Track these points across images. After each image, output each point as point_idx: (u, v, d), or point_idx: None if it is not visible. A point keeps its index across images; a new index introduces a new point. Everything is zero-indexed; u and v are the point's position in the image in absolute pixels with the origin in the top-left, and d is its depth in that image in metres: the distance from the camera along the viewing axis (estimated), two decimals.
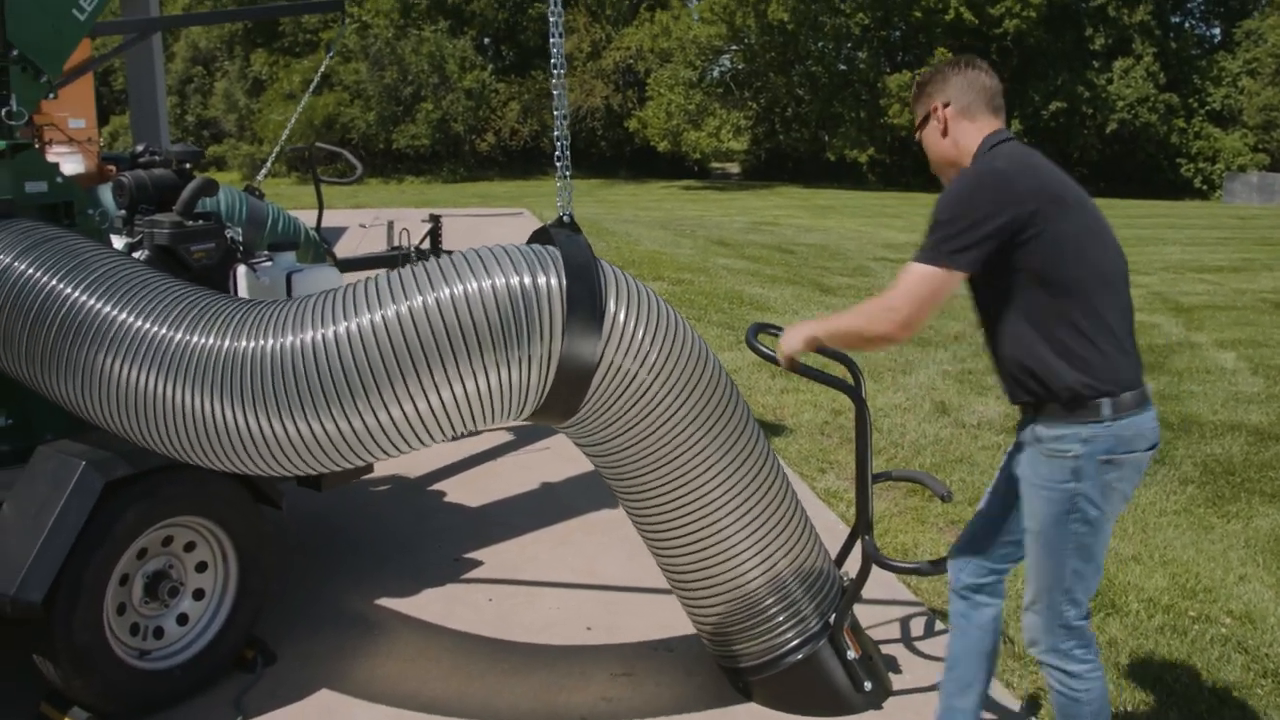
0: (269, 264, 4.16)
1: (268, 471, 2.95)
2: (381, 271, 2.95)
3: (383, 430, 2.80)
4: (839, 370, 3.38)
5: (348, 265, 6.54)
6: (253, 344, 2.83)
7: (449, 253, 6.68)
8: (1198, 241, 19.59)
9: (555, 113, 2.97)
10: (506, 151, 40.98)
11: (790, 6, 36.75)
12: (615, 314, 2.86)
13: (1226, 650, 3.85)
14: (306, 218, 6.00)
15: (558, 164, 3.00)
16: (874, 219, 23.88)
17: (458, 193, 31.60)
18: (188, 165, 4.23)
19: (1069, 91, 36.92)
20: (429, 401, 2.78)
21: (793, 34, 38.18)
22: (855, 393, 3.20)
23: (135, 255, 3.74)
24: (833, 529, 4.77)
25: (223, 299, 3.03)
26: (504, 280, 2.78)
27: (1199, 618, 4.11)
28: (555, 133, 2.95)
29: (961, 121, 2.71)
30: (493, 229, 16.13)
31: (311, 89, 7.81)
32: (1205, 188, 37.53)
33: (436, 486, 5.37)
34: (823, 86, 39.18)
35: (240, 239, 4.46)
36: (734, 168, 46.23)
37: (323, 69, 8.49)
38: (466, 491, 5.32)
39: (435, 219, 6.70)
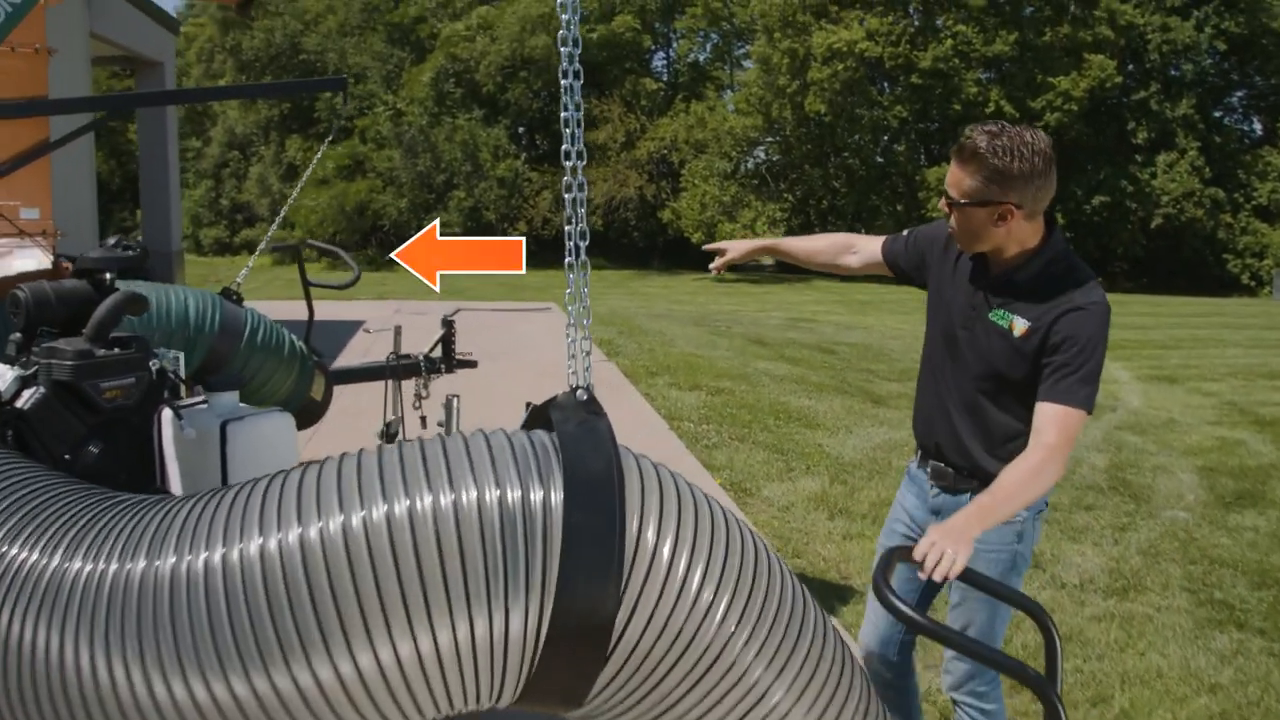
0: (203, 407, 3.24)
1: None
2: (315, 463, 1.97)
3: (288, 705, 1.81)
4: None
5: (344, 376, 5.65)
6: (117, 566, 1.90)
7: (465, 363, 5.84)
8: (1261, 343, 18.50)
9: (567, 227, 1.96)
10: (538, 240, 40.56)
11: (827, 99, 36.41)
12: (651, 542, 1.82)
13: None
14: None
15: (567, 296, 1.95)
16: (914, 315, 22.86)
17: (487, 282, 30.96)
18: (108, 275, 3.27)
19: (1112, 185, 36.20)
20: (345, 667, 1.76)
21: (829, 126, 37.80)
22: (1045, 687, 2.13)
23: (27, 393, 2.87)
24: None
25: (74, 490, 2.09)
26: (470, 495, 1.78)
27: None
28: (567, 241, 1.94)
29: (1024, 222, 2.81)
30: (520, 325, 15.32)
31: (313, 166, 7.08)
32: (1253, 283, 36.54)
33: None
34: (860, 179, 38.67)
35: (179, 368, 3.54)
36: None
37: (324, 148, 7.78)
38: None
39: (449, 323, 5.80)
